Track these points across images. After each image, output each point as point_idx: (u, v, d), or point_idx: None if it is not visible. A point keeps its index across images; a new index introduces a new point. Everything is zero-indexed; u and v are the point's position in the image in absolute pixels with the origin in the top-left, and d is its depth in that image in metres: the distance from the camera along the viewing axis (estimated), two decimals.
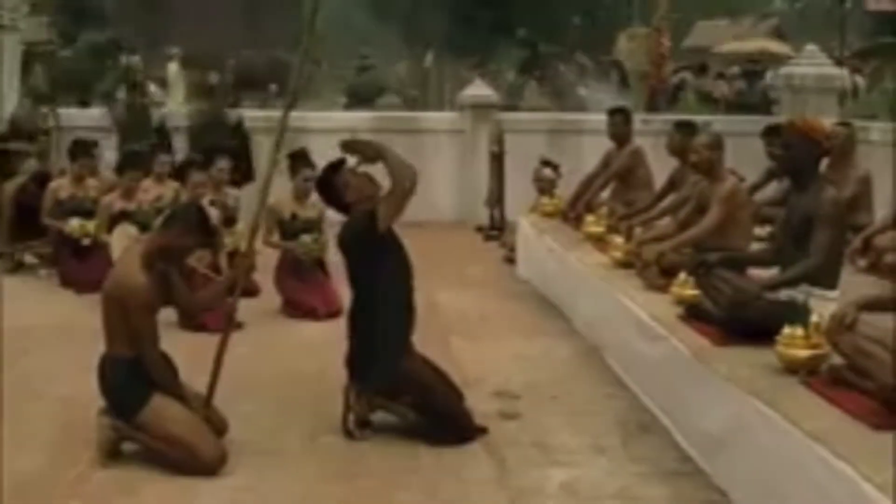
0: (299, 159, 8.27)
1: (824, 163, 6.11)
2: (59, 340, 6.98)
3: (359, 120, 13.54)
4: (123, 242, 8.04)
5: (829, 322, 4.52)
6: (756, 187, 8.76)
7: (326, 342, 6.77)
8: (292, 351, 7.04)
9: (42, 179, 9.79)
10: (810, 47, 13.00)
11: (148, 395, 4.88)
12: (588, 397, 6.11)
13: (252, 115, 13.01)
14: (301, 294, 8.04)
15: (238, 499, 4.67)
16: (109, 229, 8.73)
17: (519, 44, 18.64)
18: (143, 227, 8.40)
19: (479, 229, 12.16)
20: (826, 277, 5.19)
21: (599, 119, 9.74)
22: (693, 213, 6.83)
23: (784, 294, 5.17)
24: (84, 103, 14.56)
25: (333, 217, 9.01)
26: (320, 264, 8.32)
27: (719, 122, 11.69)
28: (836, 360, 4.60)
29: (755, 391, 4.55)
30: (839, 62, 15.93)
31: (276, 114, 11.97)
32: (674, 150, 7.85)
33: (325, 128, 11.23)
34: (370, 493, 4.73)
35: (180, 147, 11.90)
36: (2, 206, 9.74)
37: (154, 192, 9.03)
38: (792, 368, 4.70)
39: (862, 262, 7.30)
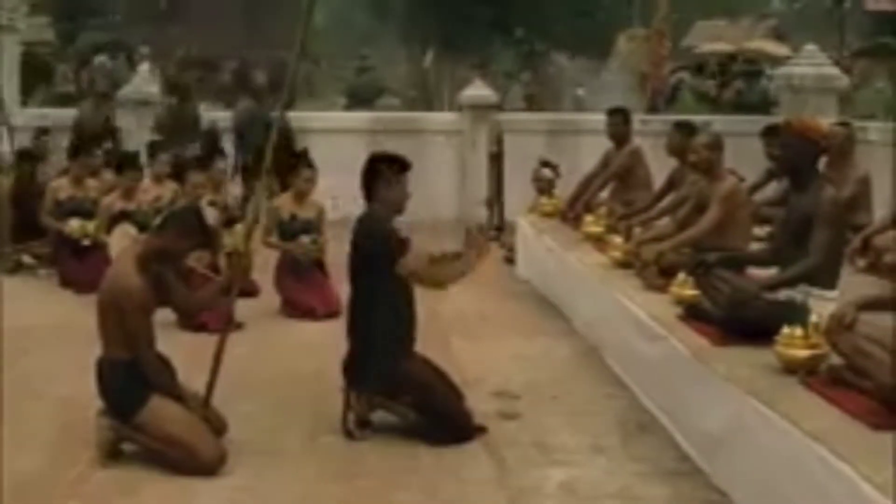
0: (299, 159, 8.27)
1: (823, 162, 6.10)
2: (58, 340, 6.97)
3: (358, 120, 13.55)
4: (123, 243, 8.04)
5: (828, 322, 4.52)
6: (756, 187, 8.76)
7: (325, 342, 6.77)
8: (291, 351, 7.04)
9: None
10: (809, 47, 13.00)
11: (146, 395, 4.87)
12: (587, 397, 6.11)
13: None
14: (300, 294, 8.04)
15: (237, 499, 4.67)
16: (109, 230, 8.73)
17: (516, 44, 18.66)
18: (143, 227, 8.38)
19: (479, 229, 12.14)
20: (825, 277, 5.19)
21: (598, 119, 9.74)
22: (692, 212, 6.83)
23: (783, 294, 5.17)
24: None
25: (332, 217, 9.10)
26: (319, 265, 8.32)
27: (718, 122, 11.69)
28: (836, 359, 4.61)
29: (754, 391, 4.55)
30: (837, 62, 15.94)
31: (304, 114, 12.07)
32: (673, 150, 7.85)
33: (325, 128, 11.23)
34: (370, 492, 4.73)
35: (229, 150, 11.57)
36: (2, 206, 9.76)
37: (153, 192, 9.04)
38: (791, 368, 4.70)
39: (861, 262, 7.30)
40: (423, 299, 5.56)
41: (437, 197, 12.17)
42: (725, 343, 5.27)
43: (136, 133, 12.27)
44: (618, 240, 7.59)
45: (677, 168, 7.85)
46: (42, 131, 11.36)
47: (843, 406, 4.27)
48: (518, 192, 11.26)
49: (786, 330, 4.72)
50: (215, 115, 12.89)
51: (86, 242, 8.99)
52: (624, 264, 7.24)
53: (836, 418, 4.20)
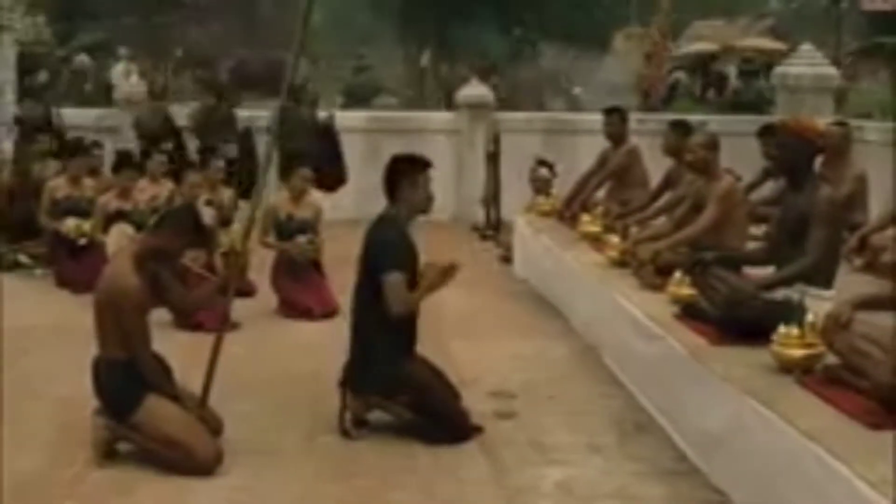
0: (296, 159, 8.26)
1: (819, 162, 6.10)
2: (56, 340, 6.97)
3: (356, 120, 13.54)
4: (120, 242, 8.05)
5: (824, 321, 4.53)
6: (752, 186, 8.76)
7: (322, 342, 6.78)
8: (288, 351, 7.04)
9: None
10: (806, 47, 13.01)
11: (142, 395, 4.87)
12: (584, 396, 6.11)
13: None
14: (297, 294, 8.04)
15: (234, 498, 4.66)
16: (106, 229, 8.72)
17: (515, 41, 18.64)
18: (139, 226, 8.40)
19: (476, 228, 12.17)
20: (822, 276, 5.20)
21: (595, 119, 9.74)
22: (689, 212, 6.83)
23: (780, 293, 5.17)
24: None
25: (330, 217, 9.09)
26: (316, 265, 8.32)
27: (715, 121, 11.69)
28: (832, 359, 4.61)
29: (751, 390, 4.56)
30: (839, 62, 15.97)
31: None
32: (669, 149, 7.85)
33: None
34: (367, 492, 4.73)
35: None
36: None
37: (150, 191, 9.04)
38: (787, 367, 4.70)
39: (858, 261, 7.31)
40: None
41: (435, 196, 12.14)
42: (722, 342, 5.27)
43: (129, 132, 12.24)
44: (614, 239, 7.59)
45: (674, 167, 7.85)
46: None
47: (839, 405, 4.27)
48: (515, 191, 11.28)
49: (782, 329, 4.72)
50: (251, 116, 12.52)
51: (82, 242, 8.97)
52: (620, 263, 7.25)
53: (832, 417, 4.20)
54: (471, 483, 4.81)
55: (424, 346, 5.61)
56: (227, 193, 9.05)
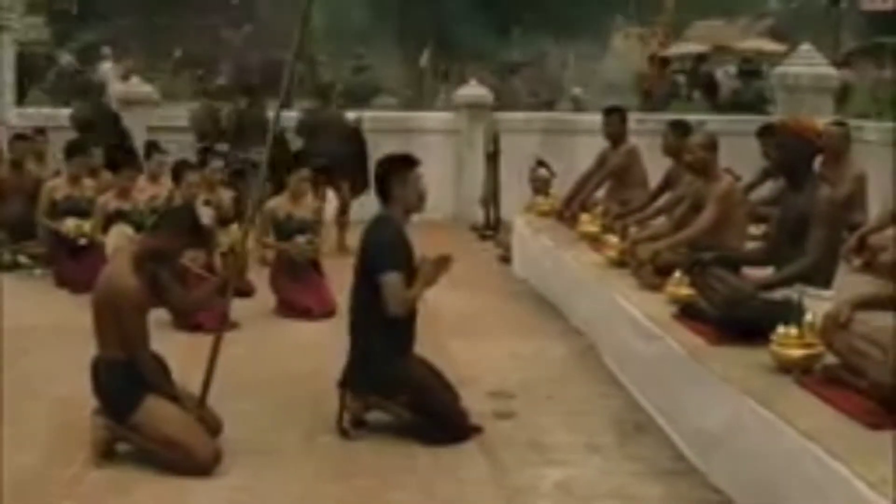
0: (296, 160, 8.26)
1: (819, 162, 6.11)
2: (55, 340, 6.96)
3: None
4: (119, 242, 8.05)
5: (823, 321, 4.53)
6: (751, 186, 8.76)
7: (321, 342, 6.79)
8: (287, 351, 7.04)
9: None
10: (805, 47, 13.00)
11: (141, 396, 4.87)
12: (583, 396, 6.11)
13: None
14: (296, 294, 8.04)
15: (233, 498, 4.66)
16: (105, 229, 8.72)
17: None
18: (139, 226, 8.40)
19: (475, 228, 12.17)
20: (821, 277, 5.20)
21: (594, 119, 9.74)
22: (688, 212, 6.83)
23: (779, 293, 5.17)
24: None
25: (328, 218, 9.09)
26: (315, 265, 8.32)
27: (715, 121, 11.69)
28: (831, 359, 4.61)
29: (750, 390, 4.56)
30: (845, 61, 15.96)
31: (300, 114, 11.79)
32: (668, 149, 7.85)
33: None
34: (366, 492, 4.73)
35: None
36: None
37: (149, 191, 9.03)
38: (786, 367, 4.70)
39: (857, 261, 7.31)
40: (420, 298, 5.56)
41: (433, 196, 12.05)
42: (721, 342, 5.27)
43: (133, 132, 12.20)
44: (613, 239, 7.59)
45: (673, 167, 7.86)
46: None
47: (838, 405, 4.27)
48: (514, 191, 11.28)
49: (781, 329, 4.73)
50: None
51: (82, 242, 8.97)
52: (620, 263, 7.25)
53: (831, 417, 4.20)
54: (470, 483, 4.81)
55: (423, 346, 5.62)
56: (226, 194, 9.04)
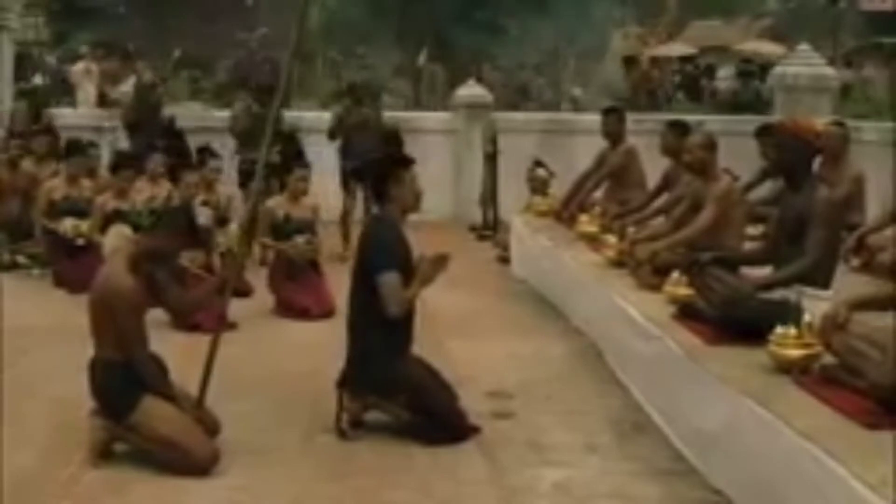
0: (294, 159, 8.26)
1: (817, 162, 6.10)
2: (54, 340, 6.95)
3: None
4: (117, 243, 8.04)
5: (821, 321, 4.53)
6: (750, 186, 8.76)
7: (319, 342, 6.78)
8: (286, 351, 7.04)
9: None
10: (803, 47, 13.01)
11: (139, 396, 4.87)
12: (581, 396, 6.11)
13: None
14: (294, 294, 8.03)
15: (231, 498, 4.66)
16: (103, 229, 8.72)
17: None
18: (137, 227, 8.38)
19: (473, 229, 12.17)
20: (819, 277, 5.20)
21: (593, 119, 9.74)
22: (687, 212, 6.84)
23: (777, 293, 5.18)
24: None
25: (326, 217, 9.08)
26: (313, 265, 8.32)
27: (713, 121, 11.69)
28: (829, 359, 4.61)
29: (748, 390, 4.56)
30: (847, 61, 15.97)
31: (298, 114, 11.73)
32: (667, 149, 7.85)
33: (321, 128, 11.18)
34: (364, 492, 4.72)
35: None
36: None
37: (147, 192, 9.02)
38: (784, 368, 4.70)
39: (855, 262, 7.31)
40: (419, 298, 5.56)
41: (432, 196, 12.06)
42: (719, 342, 5.27)
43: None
44: (612, 239, 7.59)
45: (672, 167, 7.85)
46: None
47: (836, 405, 4.27)
48: (513, 191, 11.27)
49: (779, 329, 4.73)
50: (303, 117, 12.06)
51: (80, 242, 8.97)
52: (618, 263, 7.25)
53: (829, 417, 4.20)
54: (468, 483, 4.81)
55: (422, 346, 5.62)
56: (224, 194, 9.04)
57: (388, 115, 11.52)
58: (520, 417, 5.68)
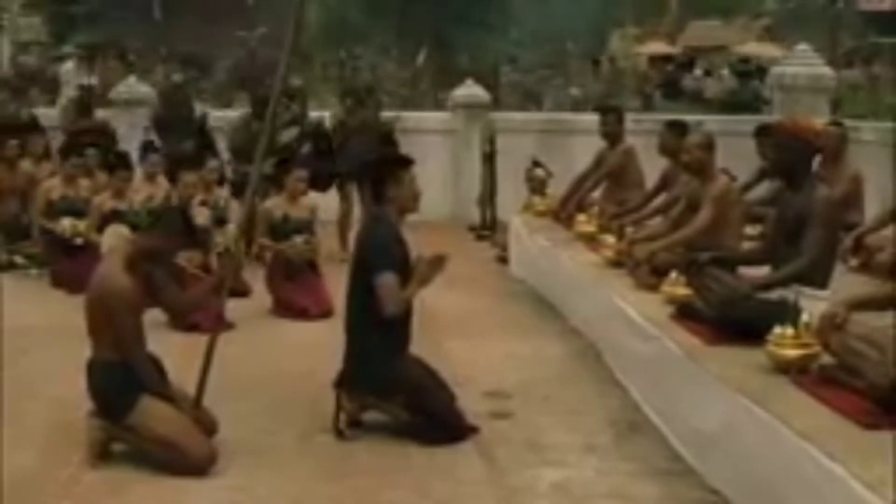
0: (292, 160, 8.26)
1: (816, 162, 6.11)
2: (52, 340, 6.95)
3: None
4: (114, 243, 8.03)
5: (819, 321, 4.53)
6: (748, 186, 8.76)
7: (317, 342, 6.77)
8: (284, 351, 7.03)
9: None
10: (802, 47, 13.01)
11: (136, 397, 4.86)
12: (580, 396, 6.11)
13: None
14: (292, 294, 8.03)
15: (229, 498, 4.66)
16: (101, 229, 8.71)
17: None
18: (134, 226, 8.34)
19: (471, 229, 12.16)
20: (817, 277, 5.20)
21: (591, 119, 9.74)
22: (685, 212, 6.84)
23: (775, 293, 5.17)
24: None
25: (325, 217, 9.07)
26: (312, 265, 8.31)
27: (711, 121, 11.69)
28: (827, 359, 4.61)
29: (746, 390, 4.56)
30: (849, 61, 15.98)
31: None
32: (665, 149, 7.85)
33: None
34: (362, 492, 4.72)
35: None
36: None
37: (145, 191, 9.01)
38: (782, 368, 4.70)
39: (854, 262, 7.31)
40: (416, 298, 5.55)
41: (430, 196, 12.04)
42: (717, 342, 5.27)
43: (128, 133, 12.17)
44: (610, 239, 7.59)
45: (670, 167, 7.86)
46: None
47: (834, 405, 4.27)
48: (511, 191, 11.27)
49: (777, 329, 4.72)
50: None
51: (77, 242, 8.96)
52: (616, 263, 7.25)
53: (827, 417, 4.20)
54: (466, 483, 4.81)
55: (420, 346, 5.61)
56: (222, 194, 9.03)
57: (387, 114, 11.47)
58: (518, 417, 5.68)
